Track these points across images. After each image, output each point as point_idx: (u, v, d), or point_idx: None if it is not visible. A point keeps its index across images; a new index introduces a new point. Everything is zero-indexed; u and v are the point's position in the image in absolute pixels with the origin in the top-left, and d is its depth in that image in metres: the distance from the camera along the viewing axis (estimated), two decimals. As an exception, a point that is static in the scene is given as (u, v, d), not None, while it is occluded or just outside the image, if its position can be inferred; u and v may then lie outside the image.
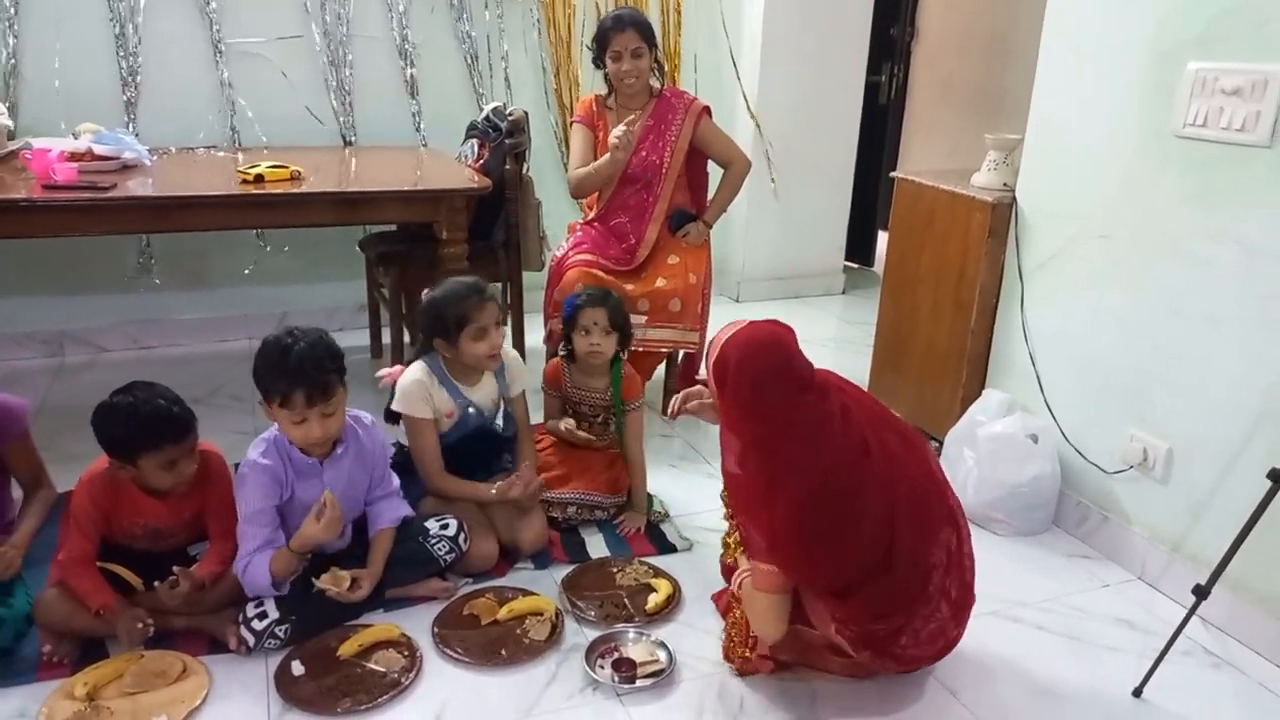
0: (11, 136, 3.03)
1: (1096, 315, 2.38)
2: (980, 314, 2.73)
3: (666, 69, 3.85)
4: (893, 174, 3.09)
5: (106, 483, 1.89)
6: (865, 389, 3.15)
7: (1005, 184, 2.71)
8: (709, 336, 3.10)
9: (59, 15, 3.21)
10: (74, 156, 2.72)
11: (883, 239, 5.22)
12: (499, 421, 2.41)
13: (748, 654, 1.84)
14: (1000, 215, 2.65)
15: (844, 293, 4.80)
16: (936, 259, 2.87)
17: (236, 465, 2.01)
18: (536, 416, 2.58)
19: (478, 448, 2.36)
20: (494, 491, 2.23)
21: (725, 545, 2.05)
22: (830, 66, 4.35)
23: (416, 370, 2.26)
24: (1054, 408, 2.52)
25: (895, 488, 1.66)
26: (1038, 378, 2.56)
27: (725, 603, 2.00)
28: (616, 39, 2.97)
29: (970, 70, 5.45)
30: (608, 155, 2.94)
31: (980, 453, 2.48)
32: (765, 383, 1.62)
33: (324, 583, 1.92)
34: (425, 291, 2.31)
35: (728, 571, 2.04)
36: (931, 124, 5.68)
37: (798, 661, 1.87)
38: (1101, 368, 2.38)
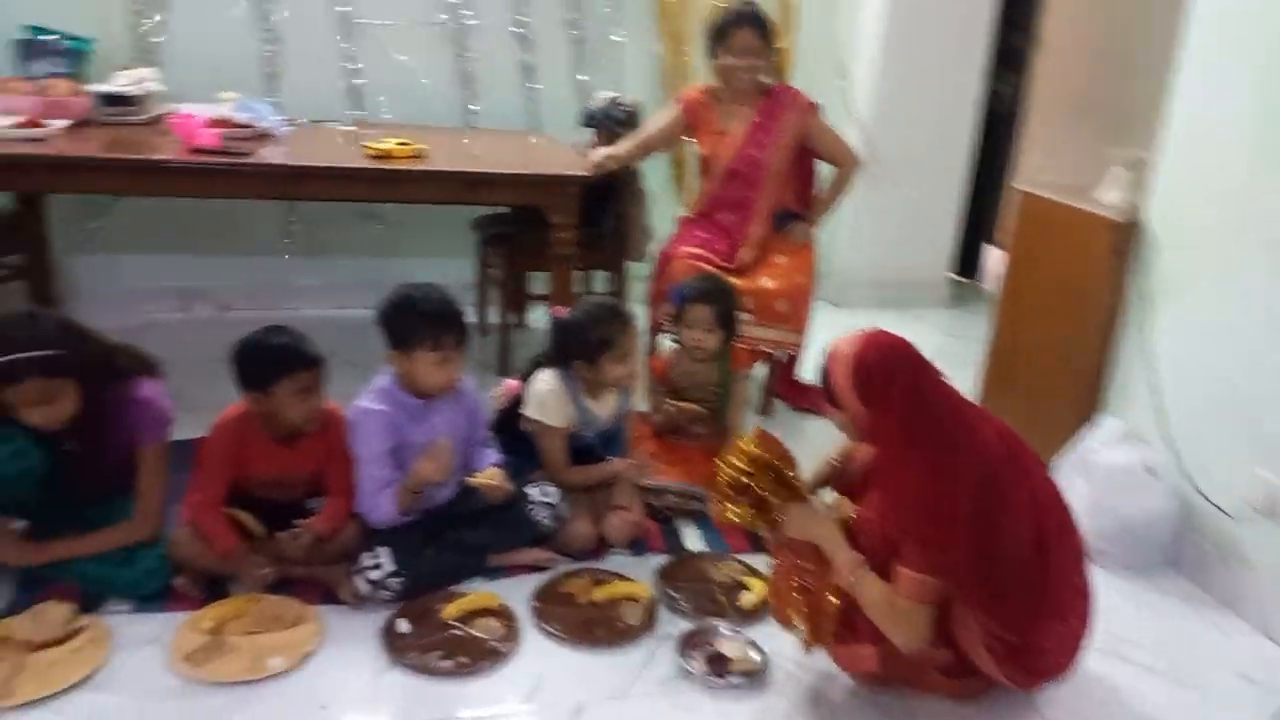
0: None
1: (1226, 346, 2.28)
2: (1099, 337, 2.64)
3: (778, 67, 3.84)
4: (1015, 185, 3.01)
5: (237, 429, 2.00)
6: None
7: (1131, 202, 2.62)
8: (806, 342, 3.12)
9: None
10: (216, 123, 2.85)
11: (991, 253, 5.12)
12: (604, 442, 2.45)
13: (831, 640, 1.79)
14: (1125, 234, 2.56)
15: (949, 306, 4.71)
16: (1055, 276, 2.80)
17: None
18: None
19: (585, 456, 2.39)
20: (611, 470, 2.31)
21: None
22: (948, 73, 4.26)
23: (550, 380, 2.30)
24: (1175, 440, 2.43)
25: (1035, 480, 1.68)
26: (1159, 408, 2.47)
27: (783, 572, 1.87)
28: (736, 34, 2.96)
29: (1093, 83, 5.26)
30: None
31: (1093, 481, 2.40)
32: (911, 377, 1.65)
33: (477, 481, 2.08)
34: (558, 309, 2.37)
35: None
36: (1049, 136, 5.49)
37: (899, 680, 1.84)
38: (1229, 402, 2.28)
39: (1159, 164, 2.49)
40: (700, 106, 3.13)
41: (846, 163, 3.16)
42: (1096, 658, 1.99)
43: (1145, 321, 2.52)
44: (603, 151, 3.05)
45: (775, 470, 1.86)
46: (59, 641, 1.78)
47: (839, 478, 1.99)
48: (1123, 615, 2.21)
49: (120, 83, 3.07)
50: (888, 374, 1.65)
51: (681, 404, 2.48)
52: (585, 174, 2.92)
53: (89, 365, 1.84)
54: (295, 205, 3.66)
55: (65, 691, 1.69)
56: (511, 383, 2.41)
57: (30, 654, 1.75)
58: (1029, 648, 1.69)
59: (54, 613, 1.82)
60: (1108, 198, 2.68)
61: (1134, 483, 2.36)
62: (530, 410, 2.29)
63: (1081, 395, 2.70)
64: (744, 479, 1.87)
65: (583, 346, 2.24)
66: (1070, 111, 5.37)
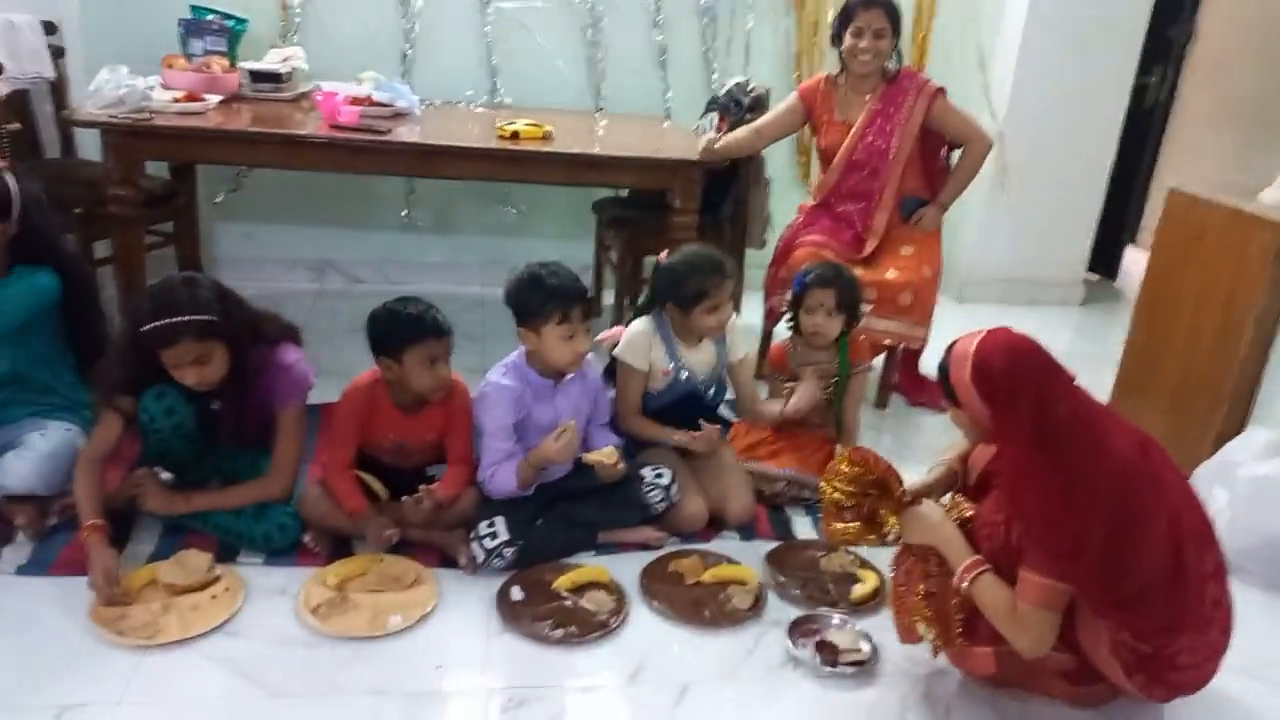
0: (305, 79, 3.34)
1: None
2: (1252, 344, 2.48)
3: (906, 57, 3.73)
4: (1173, 186, 2.83)
5: (367, 395, 2.08)
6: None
7: (1301, 204, 2.45)
8: (928, 336, 3.04)
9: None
10: (356, 101, 2.97)
11: (1131, 253, 4.86)
12: (711, 391, 2.44)
13: (961, 642, 1.73)
14: (1292, 238, 2.39)
15: (1082, 304, 4.50)
16: (1203, 280, 2.63)
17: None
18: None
19: (685, 413, 2.39)
20: (676, 438, 2.30)
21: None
22: (1096, 63, 4.05)
23: (643, 324, 2.34)
24: (1331, 456, 2.26)
25: (1172, 488, 1.59)
26: (1315, 421, 2.31)
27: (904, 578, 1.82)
28: (862, 14, 2.90)
29: (1252, 79, 4.93)
30: None
31: (1237, 494, 2.26)
32: (1039, 378, 1.58)
33: (592, 458, 2.10)
34: (665, 253, 2.37)
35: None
36: (1200, 136, 5.19)
37: (1017, 682, 1.78)
38: (1399, 418, 2.11)
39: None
40: (819, 95, 3.08)
41: (976, 142, 3.04)
42: (1233, 676, 1.85)
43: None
44: (710, 137, 3.02)
45: (880, 486, 1.79)
46: (199, 587, 1.89)
47: (956, 480, 1.92)
48: (1263, 634, 2.07)
49: (269, 61, 3.23)
50: (1013, 375, 1.58)
51: (801, 387, 2.43)
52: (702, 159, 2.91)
53: (239, 330, 1.94)
54: (424, 182, 3.77)
55: (205, 635, 1.79)
56: (618, 330, 2.43)
57: (173, 597, 1.87)
58: (1161, 659, 1.61)
59: (195, 560, 1.93)
60: (1274, 199, 2.50)
61: (1283, 497, 2.21)
62: (619, 350, 2.32)
63: (1225, 403, 2.54)
64: (849, 500, 1.81)
65: (678, 292, 2.26)
66: (1225, 109, 5.05)
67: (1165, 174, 4.96)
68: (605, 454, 2.13)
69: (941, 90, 3.01)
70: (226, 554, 2.02)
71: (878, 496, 1.79)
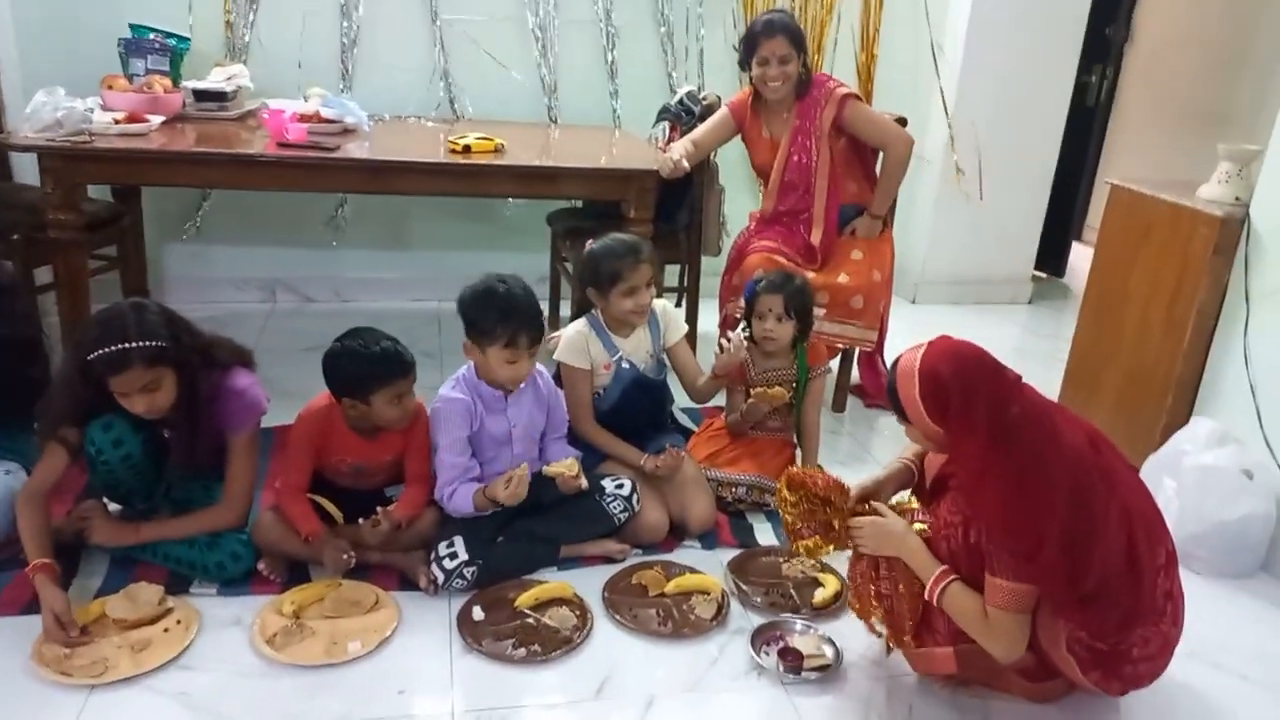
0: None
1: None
2: (1195, 336, 2.54)
3: (848, 62, 3.77)
4: (1109, 181, 2.90)
5: (322, 420, 2.05)
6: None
7: (1237, 198, 2.51)
8: (881, 339, 3.06)
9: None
10: (304, 118, 2.93)
11: (1077, 249, 4.96)
12: (654, 374, 2.46)
13: (909, 639, 1.76)
14: (1230, 232, 2.46)
15: (1030, 303, 4.58)
16: (1149, 274, 2.69)
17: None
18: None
19: (642, 401, 2.41)
20: (643, 463, 2.31)
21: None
22: (1039, 64, 4.13)
23: (578, 324, 2.37)
24: (1274, 444, 2.32)
25: (1123, 482, 1.63)
26: (1257, 410, 2.36)
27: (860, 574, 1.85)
28: (765, 43, 2.88)
29: (1189, 76, 5.07)
30: None
31: (1184, 484, 2.32)
32: (988, 382, 1.60)
33: (553, 470, 2.10)
34: (590, 242, 2.38)
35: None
36: (1140, 131, 5.32)
37: (978, 680, 1.80)
38: (1336, 405, 2.17)
39: (1270, 158, 2.38)
40: (748, 111, 3.07)
41: (894, 144, 3.01)
42: (1186, 664, 1.91)
43: (1247, 322, 2.41)
44: (672, 158, 2.92)
45: (825, 502, 1.85)
46: (151, 621, 1.85)
47: (913, 476, 1.95)
48: (1214, 621, 2.12)
49: (214, 79, 3.18)
50: (963, 382, 1.59)
51: (768, 391, 2.44)
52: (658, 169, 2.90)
53: (189, 356, 1.90)
54: (375, 198, 3.73)
55: (157, 670, 1.75)
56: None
57: (123, 633, 1.82)
58: (1117, 654, 1.64)
59: (146, 593, 1.88)
60: (1213, 193, 2.56)
61: (1229, 485, 2.27)
62: (557, 353, 2.34)
63: (1174, 397, 2.59)
64: (799, 521, 1.88)
65: (595, 277, 2.30)
66: (1163, 105, 5.18)
67: (1108, 171, 5.08)
68: (566, 465, 2.12)
69: (851, 95, 2.98)
70: (178, 585, 1.97)
71: (826, 510, 1.85)
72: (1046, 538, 1.54)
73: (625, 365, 2.38)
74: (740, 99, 3.10)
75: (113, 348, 1.79)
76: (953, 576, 1.66)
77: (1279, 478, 2.30)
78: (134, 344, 1.80)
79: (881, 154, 3.08)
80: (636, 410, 2.42)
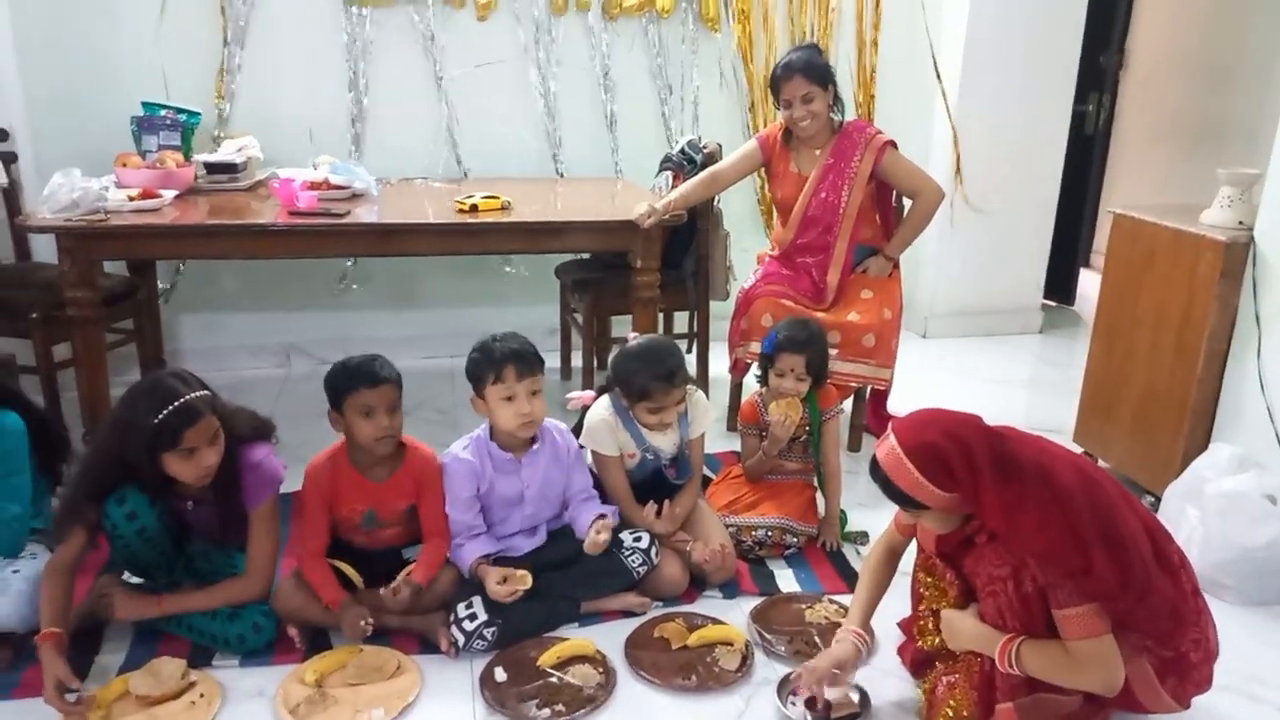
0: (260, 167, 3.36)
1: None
2: (1208, 362, 2.53)
3: (848, 103, 3.80)
4: (1110, 210, 2.91)
5: (327, 466, 2.08)
6: (1071, 436, 3.01)
7: (1241, 222, 2.52)
8: (893, 376, 3.05)
9: (304, 57, 3.55)
10: (313, 185, 2.99)
11: (1085, 276, 4.96)
12: (674, 470, 2.42)
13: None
14: (1235, 256, 2.46)
15: (1041, 332, 4.57)
16: (1157, 301, 2.69)
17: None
18: (718, 445, 2.58)
19: (650, 493, 2.37)
20: (643, 518, 2.29)
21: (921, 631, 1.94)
22: (1035, 94, 4.17)
23: (602, 409, 2.33)
24: (1295, 467, 2.30)
25: (1113, 483, 1.68)
26: (1276, 433, 2.35)
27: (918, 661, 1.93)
28: (785, 86, 2.93)
29: (1185, 100, 5.10)
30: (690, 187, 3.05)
31: (1207, 511, 2.29)
32: (967, 427, 1.63)
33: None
34: (631, 335, 2.39)
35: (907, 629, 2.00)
36: (1140, 156, 5.35)
37: None
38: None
39: (1270, 180, 2.39)
40: (777, 145, 3.11)
41: (926, 193, 3.07)
42: (1222, 697, 1.88)
43: (1260, 345, 2.41)
44: (648, 209, 2.88)
45: (942, 594, 1.84)
46: (174, 696, 1.84)
47: (867, 649, 1.91)
48: (1247, 651, 2.08)
49: (224, 152, 3.25)
50: (956, 441, 1.60)
51: (785, 422, 2.44)
52: (661, 217, 2.91)
53: (226, 416, 1.95)
54: (386, 259, 3.78)
55: (182, 743, 1.74)
56: (587, 394, 2.44)
57: (148, 709, 1.81)
58: (1180, 658, 1.67)
59: (168, 668, 1.88)
60: (1216, 218, 2.57)
61: (1252, 511, 2.24)
62: (583, 439, 2.33)
63: (1190, 423, 2.58)
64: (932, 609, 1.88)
65: (626, 384, 2.27)
66: (1160, 130, 5.21)
67: (1111, 196, 5.10)
68: (601, 537, 2.12)
69: (890, 143, 3.03)
70: (200, 658, 1.97)
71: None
72: (1089, 545, 1.55)
73: (650, 458, 2.36)
74: (771, 132, 3.15)
75: (177, 403, 1.82)
76: (1019, 638, 1.65)
77: (1303, 501, 2.27)
78: (194, 393, 1.86)
79: (910, 201, 3.12)
80: (655, 492, 2.37)
